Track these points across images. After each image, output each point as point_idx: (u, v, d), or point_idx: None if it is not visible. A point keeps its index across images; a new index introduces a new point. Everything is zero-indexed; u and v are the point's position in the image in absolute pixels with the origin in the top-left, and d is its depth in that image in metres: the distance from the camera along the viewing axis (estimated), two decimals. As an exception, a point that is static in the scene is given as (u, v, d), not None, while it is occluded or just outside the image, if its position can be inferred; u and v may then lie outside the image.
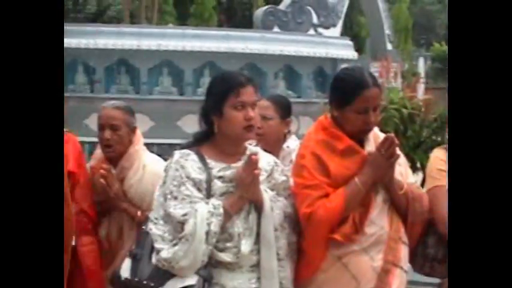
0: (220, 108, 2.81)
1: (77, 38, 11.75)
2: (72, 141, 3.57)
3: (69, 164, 3.44)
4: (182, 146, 2.90)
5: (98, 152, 3.69)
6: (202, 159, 2.81)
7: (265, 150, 3.09)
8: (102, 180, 3.48)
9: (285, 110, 3.92)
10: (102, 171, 3.49)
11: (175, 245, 2.71)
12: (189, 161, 2.79)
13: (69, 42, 11.75)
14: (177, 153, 2.84)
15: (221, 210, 2.72)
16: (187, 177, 2.76)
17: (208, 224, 2.69)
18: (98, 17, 27.78)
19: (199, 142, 2.89)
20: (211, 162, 2.81)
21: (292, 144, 3.84)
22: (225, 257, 2.76)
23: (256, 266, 2.82)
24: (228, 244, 2.77)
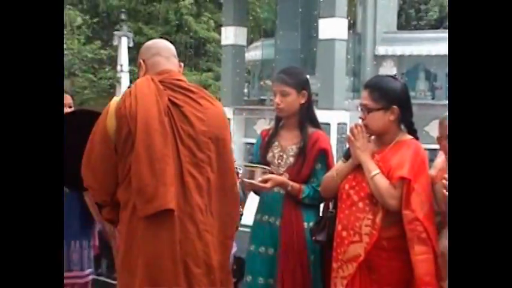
0: None
1: (419, 45, 11.83)
2: (413, 147, 3.55)
3: (403, 170, 3.44)
4: None
5: (439, 161, 3.61)
6: None
7: None
8: (444, 191, 3.39)
9: None
10: (443, 181, 3.40)
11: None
12: None
13: (411, 49, 11.89)
14: None
15: None
16: None
17: None
18: (440, 23, 27.65)
19: None
20: None
21: None
22: None
23: None
24: None
